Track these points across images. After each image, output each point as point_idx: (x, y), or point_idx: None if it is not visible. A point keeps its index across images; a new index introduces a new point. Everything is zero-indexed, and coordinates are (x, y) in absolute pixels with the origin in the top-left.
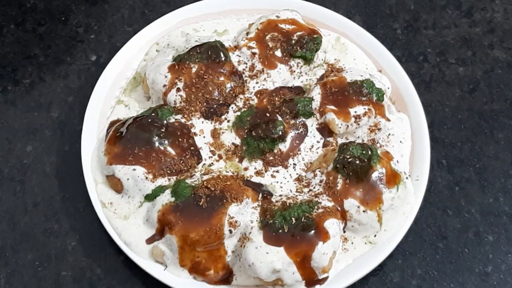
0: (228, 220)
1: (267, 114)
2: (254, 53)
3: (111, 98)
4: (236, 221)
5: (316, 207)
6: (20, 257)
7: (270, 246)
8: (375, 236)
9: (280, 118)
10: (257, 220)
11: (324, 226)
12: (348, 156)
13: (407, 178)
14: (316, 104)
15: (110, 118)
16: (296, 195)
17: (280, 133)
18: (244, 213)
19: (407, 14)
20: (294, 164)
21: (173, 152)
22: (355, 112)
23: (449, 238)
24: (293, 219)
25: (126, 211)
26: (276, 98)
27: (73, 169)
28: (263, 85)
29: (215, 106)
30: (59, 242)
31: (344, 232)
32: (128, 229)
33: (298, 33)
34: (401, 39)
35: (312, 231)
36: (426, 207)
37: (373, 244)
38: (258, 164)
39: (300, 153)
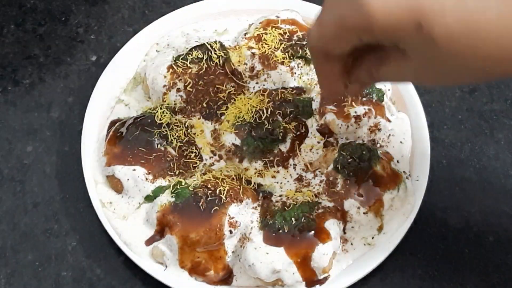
0: (228, 220)
1: (267, 115)
2: (254, 54)
3: (111, 99)
4: (236, 221)
5: (316, 207)
6: (20, 257)
7: (270, 246)
8: (372, 238)
9: (280, 118)
10: (257, 220)
11: (324, 226)
12: (348, 156)
13: (407, 178)
14: (316, 104)
15: (110, 118)
16: (296, 195)
17: (280, 133)
18: (244, 213)
19: None
20: (294, 164)
21: (173, 152)
22: (355, 112)
23: (449, 238)
24: (293, 219)
25: (125, 211)
26: (276, 98)
27: (73, 169)
28: (263, 85)
29: (215, 106)
30: (59, 242)
31: (345, 233)
32: (128, 229)
33: (298, 34)
34: None
35: (312, 232)
36: (426, 207)
37: (372, 245)
38: (258, 164)
39: (300, 154)
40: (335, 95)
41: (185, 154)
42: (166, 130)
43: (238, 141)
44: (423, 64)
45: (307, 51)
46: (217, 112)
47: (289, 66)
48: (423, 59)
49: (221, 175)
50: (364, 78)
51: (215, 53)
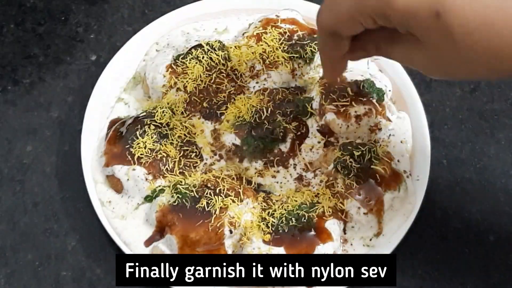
0: (228, 220)
1: (267, 114)
2: (253, 53)
3: (111, 98)
4: (236, 221)
5: (316, 207)
6: (20, 257)
7: (270, 246)
8: (370, 240)
9: (280, 118)
10: (257, 220)
11: (324, 226)
12: (348, 156)
13: (407, 177)
14: (316, 104)
15: (110, 117)
16: (296, 195)
17: (280, 133)
18: (244, 213)
19: None
20: (295, 164)
21: (173, 152)
22: (356, 112)
23: (449, 238)
24: (293, 219)
25: (124, 210)
26: (276, 98)
27: (73, 169)
28: (264, 85)
29: (215, 106)
30: (59, 242)
31: (345, 233)
32: (127, 229)
33: (299, 33)
34: None
35: (312, 232)
36: (426, 207)
37: (371, 246)
38: (258, 164)
39: (300, 153)
40: (337, 74)
41: (185, 154)
42: (166, 130)
43: (238, 141)
44: (435, 54)
45: (307, 51)
46: (217, 112)
47: (289, 66)
48: (436, 49)
49: (221, 174)
50: (370, 50)
51: (215, 53)
